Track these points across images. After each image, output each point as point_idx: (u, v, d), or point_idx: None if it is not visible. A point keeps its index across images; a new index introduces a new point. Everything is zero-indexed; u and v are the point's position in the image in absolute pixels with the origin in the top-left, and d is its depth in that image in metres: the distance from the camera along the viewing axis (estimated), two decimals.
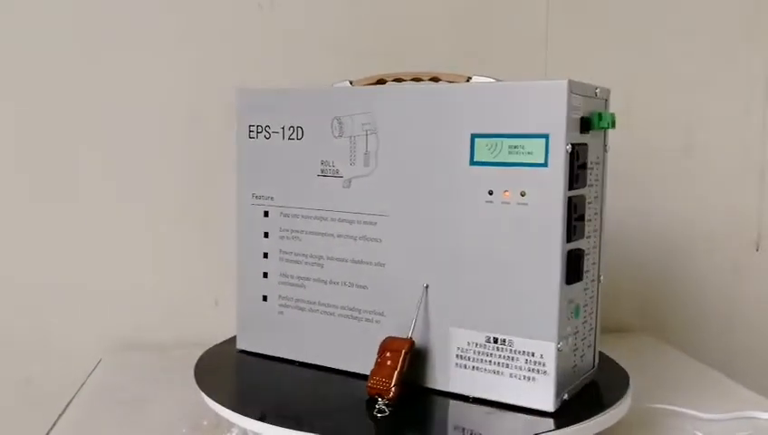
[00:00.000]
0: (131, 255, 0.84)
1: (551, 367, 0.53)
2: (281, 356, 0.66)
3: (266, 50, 0.84)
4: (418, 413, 0.56)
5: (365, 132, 0.60)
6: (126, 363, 0.79)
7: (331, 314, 0.63)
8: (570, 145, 0.52)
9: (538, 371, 0.54)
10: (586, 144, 0.55)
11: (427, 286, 0.58)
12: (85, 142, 0.82)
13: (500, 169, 0.54)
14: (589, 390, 0.59)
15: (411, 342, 0.57)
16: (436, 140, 0.57)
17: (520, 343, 0.54)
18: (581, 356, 0.58)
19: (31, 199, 0.82)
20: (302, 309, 0.65)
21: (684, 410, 0.64)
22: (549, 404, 0.54)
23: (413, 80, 0.62)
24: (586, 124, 0.55)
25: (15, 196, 0.81)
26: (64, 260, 0.83)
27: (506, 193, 0.54)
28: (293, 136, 0.64)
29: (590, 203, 0.57)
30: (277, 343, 0.66)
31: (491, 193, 0.55)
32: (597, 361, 0.61)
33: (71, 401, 0.69)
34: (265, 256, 0.67)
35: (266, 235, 0.66)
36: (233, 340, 0.69)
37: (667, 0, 0.90)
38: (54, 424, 0.64)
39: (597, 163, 0.58)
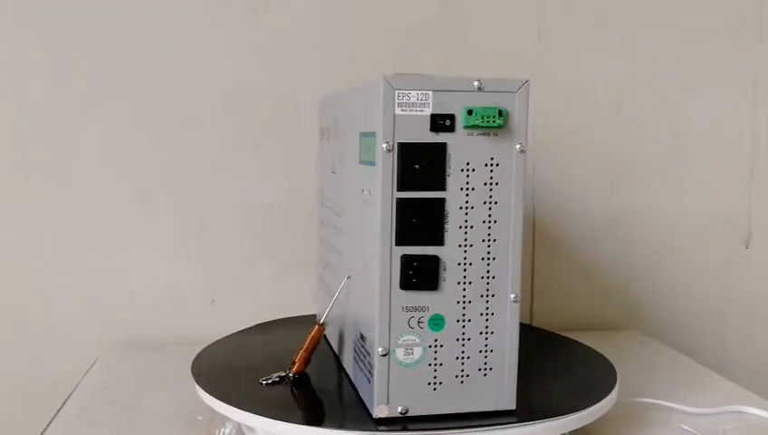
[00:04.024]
0: (128, 254, 0.85)
1: (374, 371, 0.52)
2: None
3: (260, 52, 0.85)
4: (300, 388, 0.60)
5: (338, 133, 0.66)
6: (122, 362, 0.80)
7: (331, 296, 0.70)
8: (387, 143, 0.50)
9: (370, 373, 0.53)
10: (442, 144, 0.51)
11: (348, 277, 0.61)
12: (83, 142, 0.83)
13: (366, 167, 0.54)
14: (569, 386, 0.61)
15: (318, 327, 0.62)
16: (353, 140, 0.59)
17: (368, 342, 0.54)
18: (461, 377, 0.53)
19: (28, 199, 0.83)
20: (325, 290, 0.73)
21: (670, 404, 0.65)
22: (373, 409, 0.52)
23: None
24: (442, 121, 0.50)
25: (13, 195, 0.83)
26: (61, 259, 0.84)
27: (364, 191, 0.54)
28: (327, 137, 0.73)
29: (466, 209, 0.51)
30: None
31: (362, 191, 0.55)
32: (509, 392, 0.53)
33: (67, 399, 0.70)
34: (321, 241, 0.77)
35: (322, 223, 0.77)
36: (230, 337, 0.74)
37: (656, 1, 0.91)
38: (51, 421, 0.65)
39: (492, 165, 0.52)
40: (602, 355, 0.68)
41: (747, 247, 0.95)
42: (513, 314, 0.53)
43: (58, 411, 0.66)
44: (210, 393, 0.58)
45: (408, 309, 0.52)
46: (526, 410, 0.55)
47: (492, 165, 0.52)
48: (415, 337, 0.52)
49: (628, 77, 0.91)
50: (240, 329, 0.75)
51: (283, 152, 0.84)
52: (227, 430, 0.62)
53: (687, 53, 0.92)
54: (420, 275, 0.51)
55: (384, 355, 0.52)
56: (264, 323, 0.79)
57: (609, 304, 0.93)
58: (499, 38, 0.88)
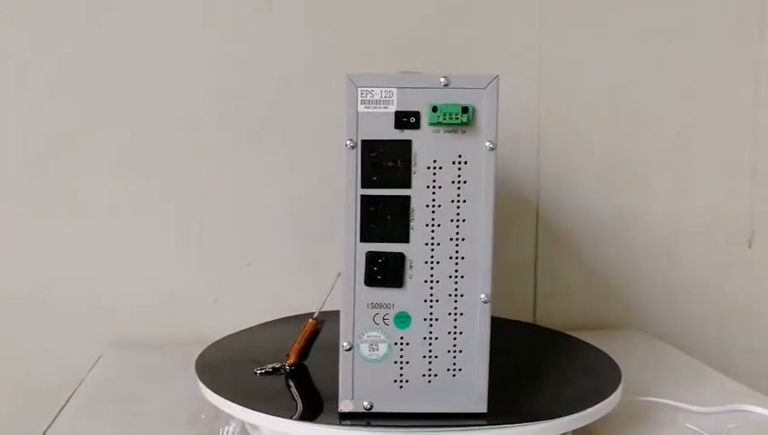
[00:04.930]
0: (130, 252, 0.85)
1: (339, 366, 0.52)
2: None
3: (263, 52, 0.84)
4: (294, 380, 0.62)
5: None
6: (125, 360, 0.80)
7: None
8: (350, 141, 0.50)
9: (339, 368, 0.53)
10: (406, 141, 0.51)
11: (339, 274, 0.62)
12: (83, 142, 0.83)
13: None
14: (572, 385, 0.62)
15: (311, 321, 0.63)
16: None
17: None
18: (428, 376, 0.52)
19: (32, 198, 0.83)
20: None
21: (675, 402, 0.66)
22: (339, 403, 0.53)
23: None
24: (407, 118, 0.50)
25: (16, 193, 0.82)
26: (63, 257, 0.84)
27: None
28: None
29: (432, 207, 0.51)
30: None
31: None
32: (479, 395, 0.52)
33: (70, 397, 0.70)
34: None
35: None
36: (234, 336, 0.73)
37: (660, 1, 0.90)
38: (54, 419, 0.64)
39: (460, 163, 0.51)
40: (606, 354, 0.68)
41: (750, 247, 0.94)
42: (483, 314, 0.52)
43: (61, 409, 0.67)
44: (214, 391, 0.58)
45: (372, 305, 0.52)
46: (512, 411, 0.54)
47: (460, 163, 0.51)
48: (379, 333, 0.52)
49: (631, 76, 0.90)
50: (242, 328, 0.75)
51: (285, 152, 0.85)
52: (231, 428, 0.62)
53: (689, 52, 0.91)
54: (385, 272, 0.51)
55: (348, 350, 0.52)
56: (271, 321, 0.78)
57: (611, 304, 0.93)
58: (500, 37, 0.88)
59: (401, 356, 0.52)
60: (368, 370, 0.52)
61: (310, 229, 0.83)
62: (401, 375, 0.52)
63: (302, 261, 0.84)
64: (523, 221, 0.89)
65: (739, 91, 0.92)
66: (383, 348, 0.52)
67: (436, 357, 0.52)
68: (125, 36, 0.82)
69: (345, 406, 0.53)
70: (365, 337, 0.52)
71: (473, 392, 0.53)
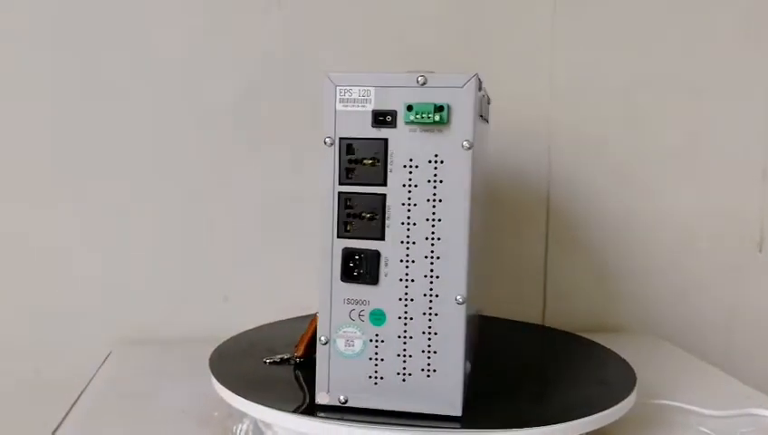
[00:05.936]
0: (141, 249, 0.85)
1: (316, 359, 0.53)
2: None
3: (273, 50, 0.84)
4: (297, 370, 0.63)
5: None
6: (135, 357, 0.79)
7: None
8: (329, 138, 0.51)
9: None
10: (383, 140, 0.51)
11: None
12: (88, 139, 0.83)
13: None
14: (586, 386, 0.61)
15: (316, 316, 0.64)
16: None
17: None
18: (402, 375, 0.52)
19: (39, 196, 0.83)
20: None
21: (687, 406, 0.66)
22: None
23: None
24: (383, 117, 0.51)
25: (19, 193, 0.82)
26: (73, 254, 0.84)
27: None
28: None
29: (408, 205, 0.51)
30: None
31: None
32: (454, 397, 0.51)
33: (81, 394, 0.69)
34: None
35: None
36: (246, 334, 0.73)
37: (672, 2, 0.90)
38: (66, 416, 0.64)
39: (436, 162, 0.51)
40: (618, 355, 0.67)
41: (760, 251, 0.94)
42: (458, 316, 0.51)
43: (72, 406, 0.67)
44: (229, 389, 0.58)
45: (348, 301, 0.53)
46: (513, 415, 0.54)
47: (436, 162, 0.51)
48: (355, 329, 0.53)
49: (642, 77, 0.90)
50: (254, 326, 0.75)
51: (296, 150, 0.85)
52: (244, 426, 0.62)
53: (702, 52, 0.91)
54: (361, 268, 0.52)
55: (325, 344, 0.53)
56: (284, 320, 0.78)
57: (620, 307, 0.92)
58: (511, 37, 0.87)
59: (376, 353, 0.53)
60: (344, 364, 0.53)
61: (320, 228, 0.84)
62: (376, 372, 0.53)
63: (312, 260, 0.84)
64: (534, 223, 0.89)
65: (750, 94, 0.91)
66: (359, 344, 0.53)
67: (410, 356, 0.52)
68: (128, 36, 0.82)
69: (321, 399, 0.54)
70: (341, 332, 0.53)
71: (447, 394, 0.52)
